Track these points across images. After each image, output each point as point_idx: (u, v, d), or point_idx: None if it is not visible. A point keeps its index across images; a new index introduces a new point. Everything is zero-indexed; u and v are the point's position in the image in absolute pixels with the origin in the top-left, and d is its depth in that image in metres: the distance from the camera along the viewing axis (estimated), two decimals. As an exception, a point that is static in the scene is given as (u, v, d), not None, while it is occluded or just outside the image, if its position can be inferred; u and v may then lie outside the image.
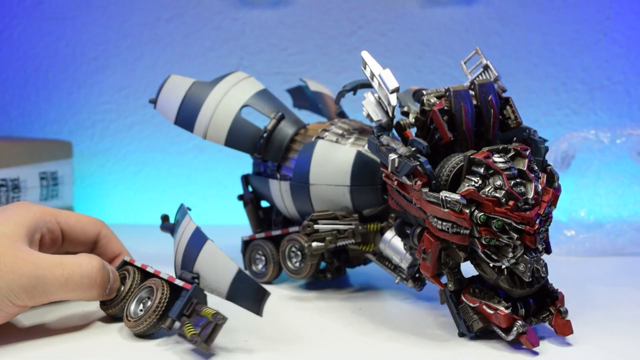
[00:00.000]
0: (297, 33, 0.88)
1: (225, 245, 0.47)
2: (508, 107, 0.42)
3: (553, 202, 0.39)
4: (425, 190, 0.38)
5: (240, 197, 0.58)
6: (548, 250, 0.40)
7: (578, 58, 0.86)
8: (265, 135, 0.51)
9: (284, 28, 0.89)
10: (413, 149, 0.39)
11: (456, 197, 0.37)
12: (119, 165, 0.91)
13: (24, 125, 0.92)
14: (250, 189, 0.57)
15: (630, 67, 0.85)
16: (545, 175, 0.40)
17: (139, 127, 0.91)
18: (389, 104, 0.41)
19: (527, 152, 0.39)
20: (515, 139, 0.41)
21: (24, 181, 0.72)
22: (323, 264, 0.53)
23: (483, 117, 0.41)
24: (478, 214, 0.37)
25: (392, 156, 0.39)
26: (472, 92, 0.41)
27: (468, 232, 0.37)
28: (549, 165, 0.41)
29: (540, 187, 0.38)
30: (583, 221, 0.69)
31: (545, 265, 0.39)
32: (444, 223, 0.38)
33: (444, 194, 0.37)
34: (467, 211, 0.37)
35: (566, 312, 0.39)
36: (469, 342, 0.39)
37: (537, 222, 0.37)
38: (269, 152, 0.52)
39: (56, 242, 0.44)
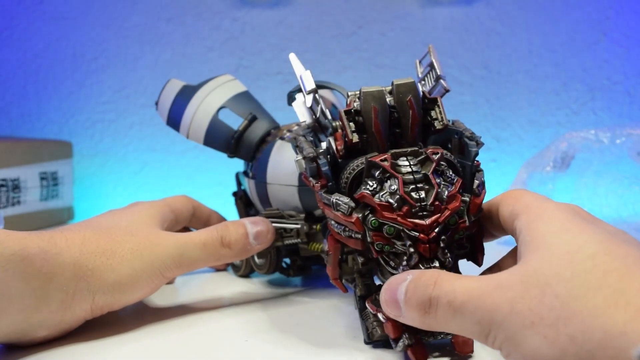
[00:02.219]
0: (297, 33, 0.88)
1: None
2: (436, 108, 0.39)
3: (472, 210, 0.37)
4: (322, 192, 0.37)
5: (235, 194, 0.60)
6: (476, 261, 0.38)
7: (578, 58, 0.86)
8: (236, 135, 0.53)
9: (284, 28, 0.89)
10: (321, 150, 0.38)
11: (345, 199, 0.36)
12: (119, 165, 0.91)
13: (24, 125, 0.92)
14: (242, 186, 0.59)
15: (630, 67, 0.86)
16: (461, 181, 0.37)
17: (139, 127, 0.91)
18: (305, 104, 0.41)
19: (437, 156, 0.37)
20: (452, 140, 0.39)
21: (24, 181, 0.73)
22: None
23: (400, 118, 0.39)
24: (371, 219, 0.35)
25: (297, 157, 0.38)
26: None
27: (360, 236, 0.36)
28: (480, 170, 0.38)
29: (445, 194, 0.36)
30: (583, 221, 0.69)
31: None
32: (338, 226, 0.37)
33: (335, 196, 0.36)
34: (358, 215, 0.35)
35: None
36: (468, 342, 0.39)
37: (435, 230, 0.35)
38: (241, 151, 0.54)
39: (173, 229, 0.50)
